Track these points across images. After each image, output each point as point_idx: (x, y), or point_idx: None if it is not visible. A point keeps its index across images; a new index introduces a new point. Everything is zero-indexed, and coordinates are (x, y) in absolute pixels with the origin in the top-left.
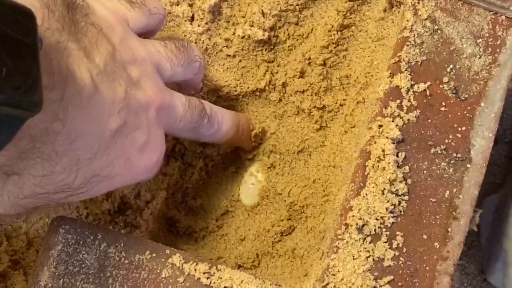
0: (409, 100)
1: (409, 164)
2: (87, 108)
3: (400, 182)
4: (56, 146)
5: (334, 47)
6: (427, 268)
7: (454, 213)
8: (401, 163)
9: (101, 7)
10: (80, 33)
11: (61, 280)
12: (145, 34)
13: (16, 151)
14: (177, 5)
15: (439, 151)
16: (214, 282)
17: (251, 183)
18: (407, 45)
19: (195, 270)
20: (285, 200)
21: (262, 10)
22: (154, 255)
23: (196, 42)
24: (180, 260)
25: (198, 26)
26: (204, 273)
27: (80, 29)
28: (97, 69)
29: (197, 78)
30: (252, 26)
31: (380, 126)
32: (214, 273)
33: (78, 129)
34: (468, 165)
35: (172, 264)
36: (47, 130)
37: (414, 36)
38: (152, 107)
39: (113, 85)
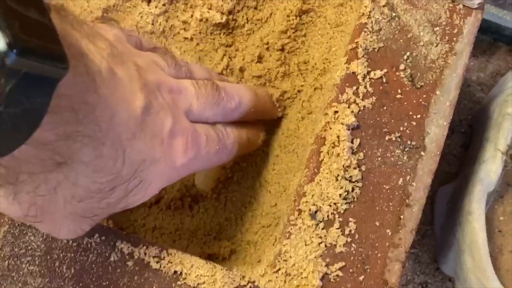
0: (365, 87)
1: (364, 151)
2: (111, 85)
3: (354, 168)
4: (98, 122)
5: (293, 33)
6: (379, 255)
7: (407, 200)
8: (355, 150)
9: None
10: (79, 27)
11: (7, 262)
12: None
13: (62, 127)
14: None
15: (394, 139)
16: (164, 266)
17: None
18: (365, 32)
19: (145, 254)
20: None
21: None
22: (103, 238)
23: (152, 24)
24: (130, 244)
25: (155, 7)
26: (154, 257)
27: (78, 25)
28: (105, 51)
29: None
30: (210, 9)
31: (336, 112)
32: (164, 257)
33: (111, 105)
34: (422, 153)
35: (121, 247)
36: (86, 102)
37: (372, 22)
38: (164, 88)
39: (126, 65)
